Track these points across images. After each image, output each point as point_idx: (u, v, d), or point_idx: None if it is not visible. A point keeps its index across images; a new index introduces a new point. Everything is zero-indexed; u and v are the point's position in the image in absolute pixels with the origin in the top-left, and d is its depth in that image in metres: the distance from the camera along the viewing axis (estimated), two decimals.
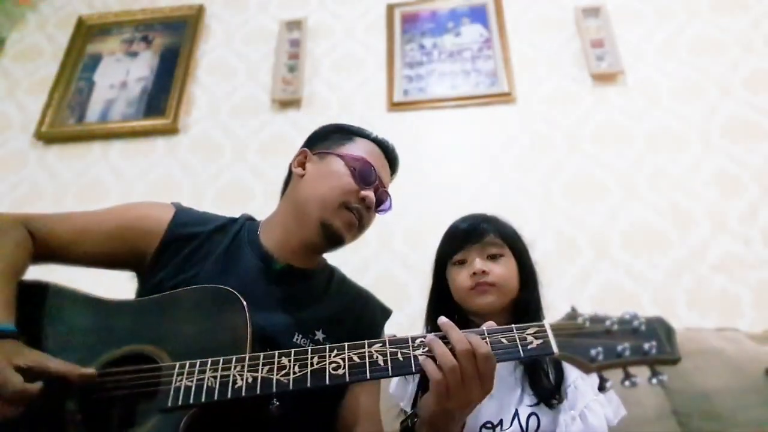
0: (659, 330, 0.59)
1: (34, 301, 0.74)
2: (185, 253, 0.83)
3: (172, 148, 2.04)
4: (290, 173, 0.94)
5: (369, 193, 0.85)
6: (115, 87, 2.17)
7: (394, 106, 1.99)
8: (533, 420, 0.85)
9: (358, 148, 0.90)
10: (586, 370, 0.59)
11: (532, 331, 0.61)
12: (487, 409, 0.86)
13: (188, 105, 2.12)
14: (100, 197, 1.96)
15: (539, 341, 0.60)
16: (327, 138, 0.93)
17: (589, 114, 1.89)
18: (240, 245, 0.86)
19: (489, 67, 2.02)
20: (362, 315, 0.92)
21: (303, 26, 2.18)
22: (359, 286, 0.98)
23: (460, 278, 0.93)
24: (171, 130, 2.05)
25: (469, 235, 0.95)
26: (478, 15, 2.15)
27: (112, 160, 2.04)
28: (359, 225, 0.87)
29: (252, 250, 0.86)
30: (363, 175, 0.86)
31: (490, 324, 0.64)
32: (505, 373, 0.89)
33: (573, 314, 0.62)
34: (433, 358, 0.60)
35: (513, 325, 0.62)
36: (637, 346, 0.57)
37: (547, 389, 0.86)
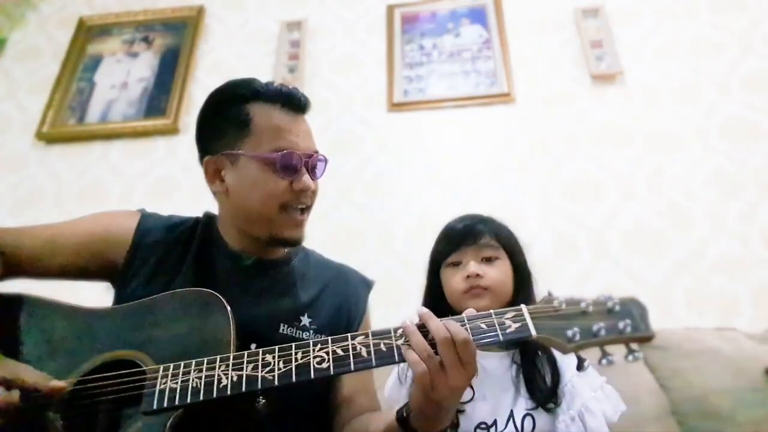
0: (633, 309, 0.61)
1: (11, 313, 0.73)
2: (155, 260, 0.82)
3: (172, 149, 2.04)
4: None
5: (302, 181, 0.79)
6: (116, 87, 2.17)
7: (394, 106, 1.99)
8: (528, 421, 0.84)
9: (262, 132, 0.78)
10: (564, 351, 0.61)
11: (510, 315, 0.63)
12: (480, 410, 0.86)
13: (189, 105, 2.12)
14: (101, 197, 1.96)
15: (517, 324, 0.62)
16: (222, 128, 0.81)
17: (589, 114, 1.89)
18: (208, 246, 0.85)
19: (488, 68, 2.02)
20: (345, 290, 0.90)
21: (303, 27, 2.18)
22: (337, 262, 0.96)
23: (454, 281, 0.92)
24: (171, 131, 2.05)
25: (464, 236, 0.93)
26: (477, 16, 2.15)
27: (113, 160, 2.05)
28: (308, 211, 0.84)
29: (219, 250, 0.85)
30: (287, 166, 0.78)
31: (470, 311, 0.65)
32: (499, 374, 0.89)
33: (549, 298, 0.64)
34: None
35: (492, 311, 0.64)
36: (612, 326, 0.59)
37: (543, 392, 0.85)
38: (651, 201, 1.72)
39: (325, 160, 0.86)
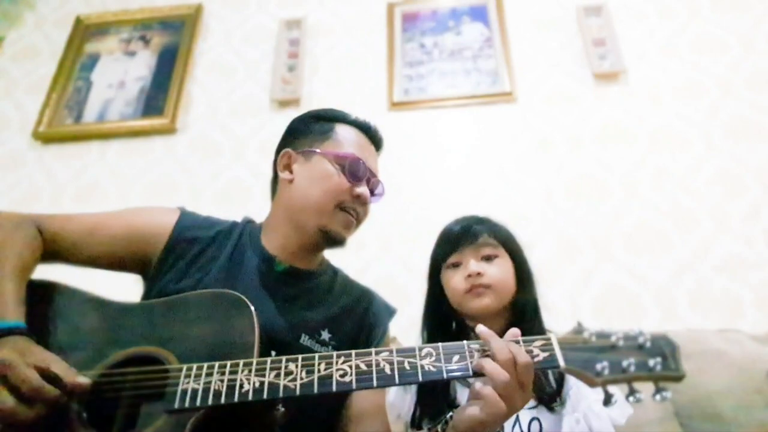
0: (664, 347, 0.60)
1: (44, 301, 0.74)
2: (189, 257, 0.84)
3: (170, 148, 2.03)
4: (276, 173, 0.93)
5: (362, 190, 0.85)
6: (113, 86, 2.15)
7: (395, 105, 1.98)
8: (535, 424, 0.84)
9: (342, 140, 0.88)
10: (592, 384, 0.60)
11: (538, 344, 0.62)
12: None
13: (186, 104, 2.11)
14: (98, 197, 1.95)
15: (545, 354, 0.61)
16: (306, 133, 0.90)
17: (591, 113, 1.88)
18: (243, 249, 0.87)
19: (490, 66, 2.01)
20: (367, 313, 0.92)
21: (302, 25, 2.17)
22: (363, 285, 0.98)
23: (455, 281, 0.92)
24: (169, 130, 2.04)
25: (462, 237, 0.94)
26: (478, 14, 2.14)
27: (110, 160, 2.03)
28: (357, 221, 0.88)
29: (254, 253, 0.87)
30: (353, 171, 0.85)
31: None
32: None
33: (579, 329, 0.64)
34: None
35: (521, 338, 0.63)
36: (642, 362, 0.58)
37: (547, 392, 0.85)
38: (654, 201, 1.71)
39: (383, 193, 0.93)
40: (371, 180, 0.89)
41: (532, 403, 0.85)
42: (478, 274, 0.89)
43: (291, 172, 0.88)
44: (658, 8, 2.03)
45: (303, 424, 0.74)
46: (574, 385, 0.86)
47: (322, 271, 0.92)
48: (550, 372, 0.87)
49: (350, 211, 0.86)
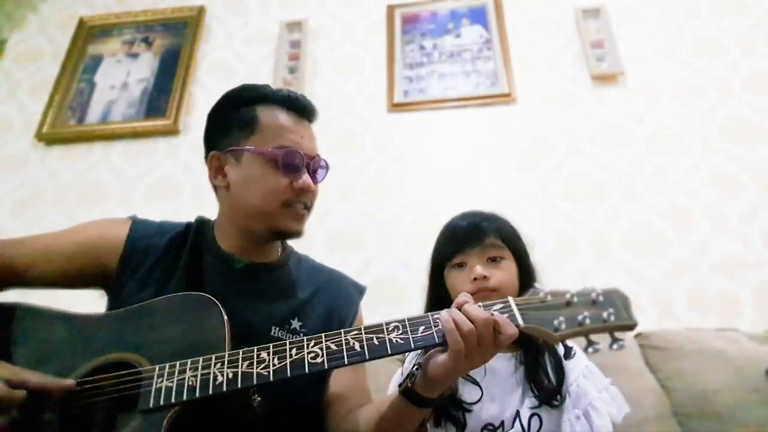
0: (616, 299, 0.63)
1: (6, 322, 0.74)
2: (147, 266, 0.83)
3: (173, 149, 2.04)
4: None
5: (303, 181, 0.81)
6: (116, 88, 2.17)
7: (395, 107, 1.99)
8: (535, 420, 0.84)
9: (268, 130, 0.81)
10: (551, 340, 0.62)
11: (498, 307, 0.65)
12: (488, 411, 0.86)
13: (189, 106, 2.12)
14: (102, 198, 1.96)
15: (505, 315, 0.64)
16: (229, 127, 0.84)
17: (589, 114, 1.89)
18: (200, 252, 0.86)
19: (489, 68, 2.02)
20: (337, 295, 0.91)
21: (303, 27, 2.19)
22: (330, 267, 0.97)
23: (460, 282, 0.91)
24: (172, 131, 2.06)
25: (468, 236, 0.92)
26: (478, 16, 2.15)
27: (113, 161, 2.05)
28: (307, 208, 0.85)
29: (212, 255, 0.85)
30: (289, 164, 0.80)
31: (459, 300, 0.68)
32: (506, 375, 0.89)
33: (535, 290, 0.67)
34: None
35: (480, 303, 0.66)
36: (596, 315, 0.61)
37: (548, 389, 0.85)
38: (652, 201, 1.72)
39: (327, 167, 0.88)
40: (311, 163, 0.83)
41: (534, 402, 0.85)
42: (484, 277, 0.88)
43: (225, 176, 0.83)
44: (656, 10, 2.04)
45: (287, 413, 0.75)
46: (574, 382, 0.87)
47: (285, 261, 0.90)
48: (550, 369, 0.88)
49: (297, 204, 0.82)
